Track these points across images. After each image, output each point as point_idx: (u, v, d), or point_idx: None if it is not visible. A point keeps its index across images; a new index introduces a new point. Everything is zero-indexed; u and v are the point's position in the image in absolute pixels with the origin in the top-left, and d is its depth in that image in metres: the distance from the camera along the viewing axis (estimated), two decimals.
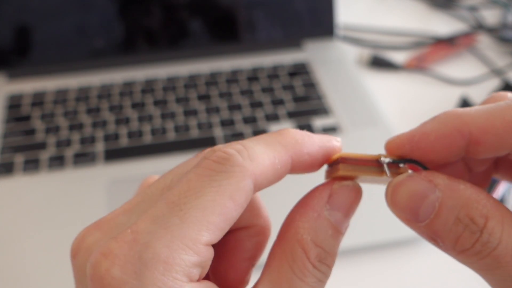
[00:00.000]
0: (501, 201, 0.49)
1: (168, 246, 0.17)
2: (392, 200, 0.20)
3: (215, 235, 0.18)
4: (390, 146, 0.21)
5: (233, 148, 0.19)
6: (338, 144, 0.21)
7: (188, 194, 0.18)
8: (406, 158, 0.20)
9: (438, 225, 0.19)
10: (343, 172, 0.20)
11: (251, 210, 0.22)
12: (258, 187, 0.19)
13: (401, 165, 0.20)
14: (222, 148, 0.19)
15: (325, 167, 0.22)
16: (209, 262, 0.18)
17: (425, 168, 0.20)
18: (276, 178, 0.20)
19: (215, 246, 0.18)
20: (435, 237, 0.19)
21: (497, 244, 0.18)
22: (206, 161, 0.19)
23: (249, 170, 0.18)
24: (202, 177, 0.18)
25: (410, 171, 0.21)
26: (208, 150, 0.20)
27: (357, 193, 0.21)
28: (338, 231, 0.20)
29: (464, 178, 0.21)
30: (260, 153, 0.19)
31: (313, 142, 0.20)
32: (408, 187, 0.20)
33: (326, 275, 0.20)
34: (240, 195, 0.18)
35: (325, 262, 0.19)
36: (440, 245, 0.20)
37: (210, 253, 0.18)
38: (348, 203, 0.20)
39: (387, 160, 0.20)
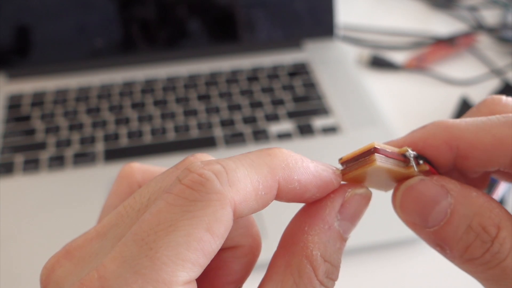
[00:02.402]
0: (501, 202, 0.49)
1: None
2: (401, 204, 0.19)
3: (194, 272, 0.16)
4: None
5: (210, 170, 0.16)
6: (336, 176, 0.19)
7: (158, 229, 0.16)
8: (424, 157, 0.20)
9: (448, 232, 0.18)
10: (380, 163, 0.19)
11: (238, 229, 0.20)
12: (238, 215, 0.17)
13: (421, 161, 0.20)
14: (198, 169, 0.17)
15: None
16: None
17: (437, 170, 0.20)
18: (260, 205, 0.17)
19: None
20: (443, 244, 0.19)
21: (506, 255, 0.18)
22: (178, 187, 0.16)
23: (228, 197, 0.16)
24: (174, 207, 0.16)
25: (428, 168, 0.20)
26: (183, 170, 0.17)
27: (368, 201, 0.20)
28: (344, 241, 0.19)
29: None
30: (242, 176, 0.17)
31: (306, 169, 0.18)
32: (420, 191, 0.19)
33: None
34: (218, 226, 0.16)
35: (331, 277, 0.19)
36: (446, 252, 0.19)
37: None
38: (358, 212, 0.19)
39: (413, 153, 0.19)
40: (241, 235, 0.20)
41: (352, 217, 0.19)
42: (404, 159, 0.19)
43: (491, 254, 0.18)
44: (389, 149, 0.19)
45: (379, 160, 0.19)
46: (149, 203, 0.18)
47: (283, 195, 0.18)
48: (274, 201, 0.18)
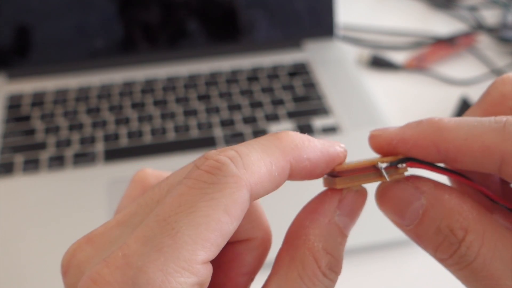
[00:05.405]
0: None
1: (162, 270, 0.16)
2: (380, 203, 0.20)
3: (212, 252, 0.17)
4: (371, 143, 0.21)
5: (226, 156, 0.17)
6: (342, 150, 0.20)
7: (179, 210, 0.17)
8: (403, 158, 0.20)
9: (420, 231, 0.19)
10: (340, 186, 0.20)
11: (251, 222, 0.21)
12: (254, 197, 0.18)
13: (400, 165, 0.20)
14: (214, 156, 0.18)
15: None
16: (209, 279, 0.17)
17: (425, 163, 0.20)
18: (274, 186, 0.18)
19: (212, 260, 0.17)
20: (418, 242, 0.20)
21: (474, 258, 0.18)
22: (197, 172, 0.17)
23: (244, 179, 0.17)
24: (193, 190, 0.17)
25: (408, 171, 0.20)
26: (200, 158, 0.18)
27: (364, 197, 0.21)
28: (345, 236, 0.20)
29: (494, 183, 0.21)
30: (255, 160, 0.18)
31: (314, 147, 0.19)
32: (394, 193, 0.20)
33: (334, 282, 0.19)
34: (235, 208, 0.17)
35: (334, 269, 0.19)
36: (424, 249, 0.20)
37: (208, 271, 0.17)
38: (356, 208, 0.20)
39: (384, 165, 0.20)
40: (253, 228, 0.21)
41: (350, 212, 0.20)
42: (376, 169, 0.20)
43: (459, 256, 0.18)
44: (356, 166, 0.20)
45: (339, 185, 0.20)
46: (167, 194, 0.19)
47: (295, 174, 0.19)
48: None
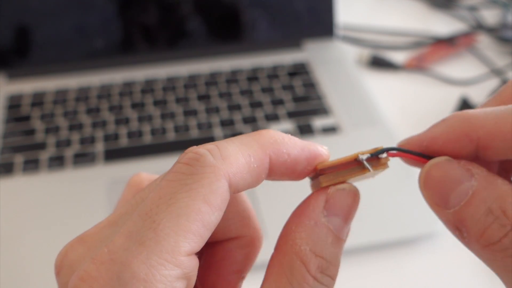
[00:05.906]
0: None
1: (146, 263, 0.16)
2: (425, 180, 0.19)
3: (195, 243, 0.17)
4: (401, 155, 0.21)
5: (204, 148, 0.18)
6: (324, 151, 0.20)
7: (160, 203, 0.17)
8: (384, 148, 0.20)
9: (467, 213, 0.18)
10: (326, 183, 0.20)
11: (241, 220, 0.21)
12: (234, 188, 0.18)
13: (382, 155, 0.20)
14: (194, 149, 0.18)
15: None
16: (195, 272, 0.17)
17: (405, 151, 0.20)
18: (253, 178, 0.19)
19: (202, 257, 0.17)
20: (460, 226, 0.18)
21: None
22: (176, 165, 0.18)
23: (222, 169, 0.17)
24: (173, 182, 0.17)
25: (390, 160, 0.20)
26: (181, 154, 0.19)
27: (355, 196, 0.20)
28: (338, 238, 0.19)
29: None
30: (234, 151, 0.18)
31: (293, 143, 0.19)
32: (444, 169, 0.19)
33: (329, 287, 0.19)
34: (214, 197, 0.17)
35: (327, 273, 0.18)
36: (464, 235, 0.18)
37: (193, 263, 0.17)
38: (347, 207, 0.20)
39: (365, 156, 0.20)
40: (243, 226, 0.22)
41: (340, 212, 0.19)
42: (358, 163, 0.20)
43: (510, 240, 0.17)
44: (338, 162, 0.20)
45: (324, 182, 0.20)
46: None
47: (276, 169, 0.19)
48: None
